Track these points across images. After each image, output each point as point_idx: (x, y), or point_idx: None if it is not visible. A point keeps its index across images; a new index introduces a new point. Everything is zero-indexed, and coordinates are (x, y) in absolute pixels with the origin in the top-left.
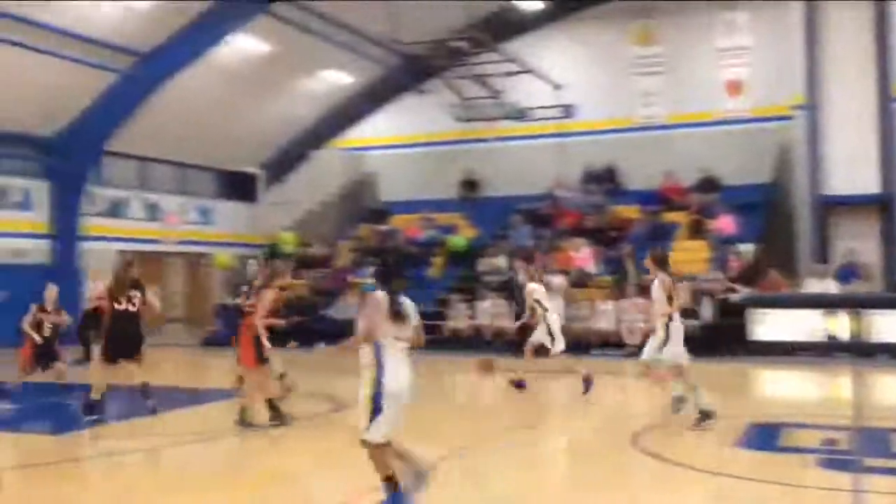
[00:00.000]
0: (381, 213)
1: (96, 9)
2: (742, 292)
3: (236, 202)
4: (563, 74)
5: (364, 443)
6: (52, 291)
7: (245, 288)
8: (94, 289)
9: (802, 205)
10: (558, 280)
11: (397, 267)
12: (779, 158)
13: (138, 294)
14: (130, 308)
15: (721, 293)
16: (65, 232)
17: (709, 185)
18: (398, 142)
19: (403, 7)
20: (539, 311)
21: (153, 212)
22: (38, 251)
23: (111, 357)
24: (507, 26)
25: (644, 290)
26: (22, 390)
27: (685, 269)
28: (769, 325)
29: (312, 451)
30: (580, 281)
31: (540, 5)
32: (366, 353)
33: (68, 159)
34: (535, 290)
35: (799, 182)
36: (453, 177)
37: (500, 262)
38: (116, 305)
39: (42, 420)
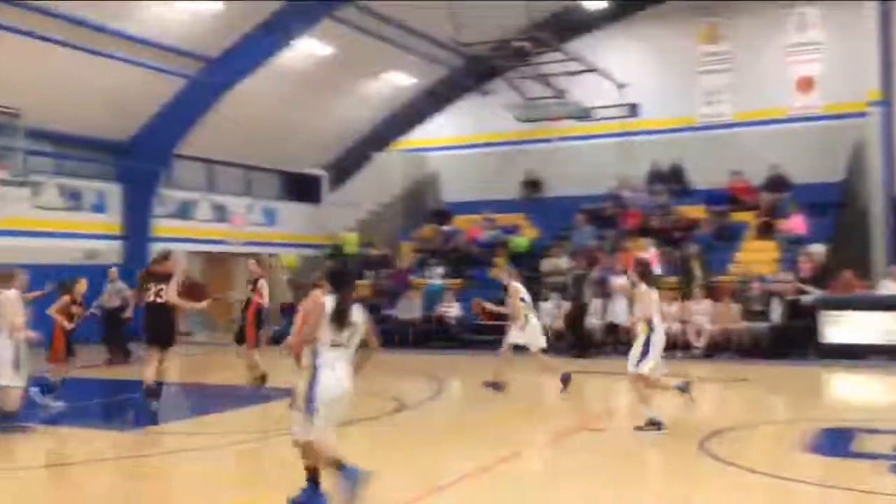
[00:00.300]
0: (442, 214)
1: (166, 16)
2: (813, 294)
3: (300, 203)
4: (626, 73)
5: (295, 442)
6: (81, 285)
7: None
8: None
9: (876, 204)
10: (621, 281)
11: (350, 272)
12: (852, 156)
13: (163, 287)
14: (158, 300)
15: (791, 294)
16: (136, 233)
17: (778, 183)
18: (460, 142)
19: (466, 8)
20: (522, 310)
21: (220, 213)
22: (111, 252)
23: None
24: (571, 25)
25: (710, 292)
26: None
27: (754, 269)
28: (842, 327)
29: (374, 451)
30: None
31: (604, 4)
32: (306, 353)
33: (140, 162)
34: (518, 289)
35: (873, 180)
36: (515, 177)
37: (563, 262)
38: (146, 298)
39: (100, 416)
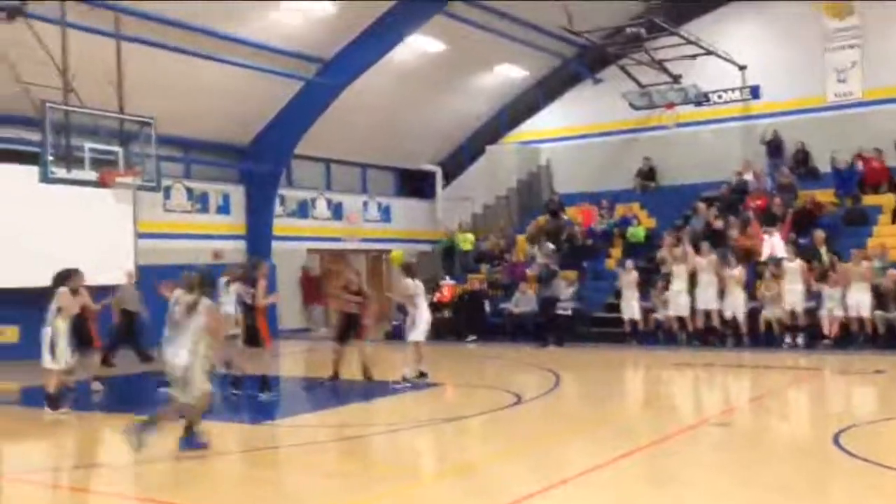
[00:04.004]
0: (557, 206)
1: (282, 21)
2: None
3: (414, 199)
4: (746, 54)
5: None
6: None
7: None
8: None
9: None
10: (737, 272)
11: (208, 276)
12: None
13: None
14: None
15: None
16: (258, 232)
17: None
18: (573, 133)
19: None
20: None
21: (337, 211)
22: (234, 251)
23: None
24: (687, 8)
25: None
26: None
27: (891, 255)
28: None
29: (493, 444)
30: (771, 268)
31: None
32: None
33: (261, 164)
34: (409, 285)
35: None
36: (631, 166)
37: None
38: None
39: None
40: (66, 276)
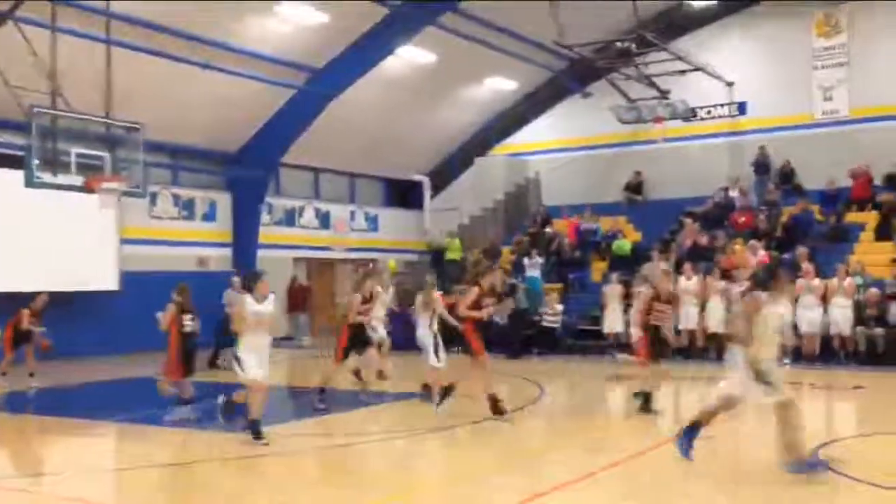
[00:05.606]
0: (544, 218)
1: (275, 30)
2: None
3: (402, 209)
4: (734, 71)
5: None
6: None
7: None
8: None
9: None
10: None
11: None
12: None
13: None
14: None
15: None
16: (244, 240)
17: None
18: (561, 146)
19: (569, 10)
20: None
21: (325, 220)
22: (220, 259)
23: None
24: (676, 24)
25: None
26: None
27: (870, 271)
28: None
29: (476, 455)
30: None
31: (712, 2)
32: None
33: (248, 172)
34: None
35: None
36: (618, 180)
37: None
38: None
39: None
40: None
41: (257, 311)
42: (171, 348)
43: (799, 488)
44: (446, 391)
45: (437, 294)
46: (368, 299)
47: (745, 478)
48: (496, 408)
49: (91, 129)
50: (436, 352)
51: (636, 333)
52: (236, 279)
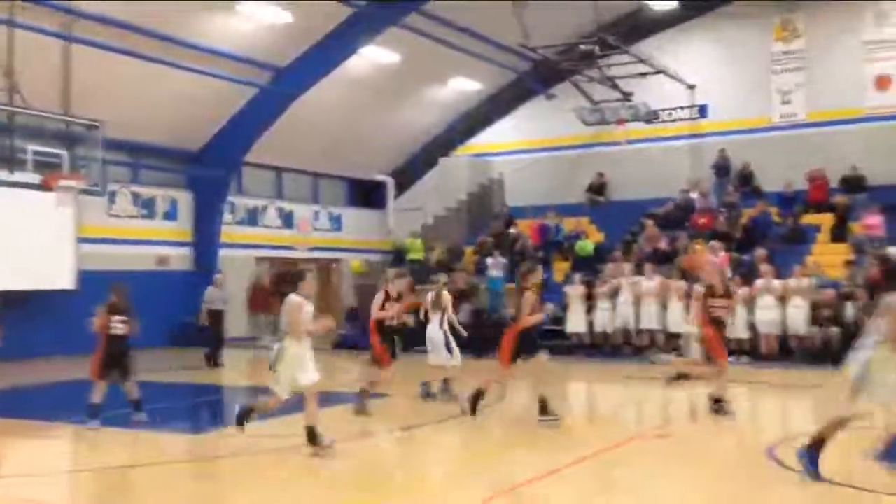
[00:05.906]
0: (507, 218)
1: (237, 28)
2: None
3: (365, 209)
4: (696, 74)
5: None
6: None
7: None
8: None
9: None
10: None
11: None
12: None
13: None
14: None
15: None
16: (205, 239)
17: (854, 184)
18: (525, 147)
19: (533, 12)
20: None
21: (288, 219)
22: (181, 258)
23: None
24: (639, 27)
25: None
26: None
27: (826, 272)
28: None
29: (442, 454)
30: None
31: (673, 4)
32: None
33: (210, 170)
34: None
35: None
36: (581, 181)
37: (628, 267)
38: None
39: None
40: None
41: (309, 310)
42: (98, 349)
43: (752, 485)
44: (477, 396)
45: (447, 294)
46: (396, 299)
47: (718, 473)
48: (474, 406)
49: (49, 126)
50: (448, 349)
51: (696, 333)
52: (219, 277)
